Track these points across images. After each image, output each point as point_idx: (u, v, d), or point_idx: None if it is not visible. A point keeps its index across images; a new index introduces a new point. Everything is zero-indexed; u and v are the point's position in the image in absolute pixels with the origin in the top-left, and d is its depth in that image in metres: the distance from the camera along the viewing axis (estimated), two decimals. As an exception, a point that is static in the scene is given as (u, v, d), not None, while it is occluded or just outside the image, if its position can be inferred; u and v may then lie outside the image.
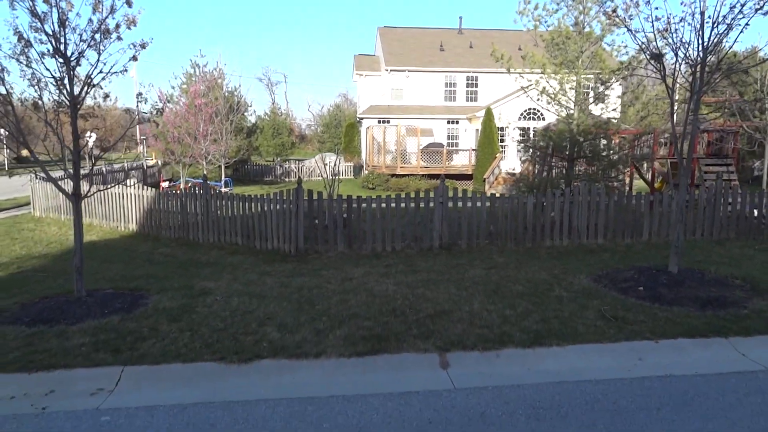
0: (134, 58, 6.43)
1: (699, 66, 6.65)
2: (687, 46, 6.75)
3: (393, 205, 9.73)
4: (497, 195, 10.19)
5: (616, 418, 4.25)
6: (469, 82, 32.45)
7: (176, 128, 15.93)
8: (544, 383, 4.85)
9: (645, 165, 15.84)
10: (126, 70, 6.44)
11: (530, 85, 11.95)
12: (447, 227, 9.75)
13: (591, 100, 11.73)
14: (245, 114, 30.15)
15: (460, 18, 36.49)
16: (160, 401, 4.56)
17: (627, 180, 15.83)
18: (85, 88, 6.39)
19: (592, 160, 11.26)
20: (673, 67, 6.99)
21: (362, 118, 32.63)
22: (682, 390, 4.71)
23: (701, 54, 6.66)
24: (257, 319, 6.07)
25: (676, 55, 6.87)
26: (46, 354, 5.23)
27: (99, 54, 6.35)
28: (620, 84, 13.02)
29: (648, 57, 6.95)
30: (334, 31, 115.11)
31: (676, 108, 6.82)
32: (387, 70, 31.63)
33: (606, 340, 5.58)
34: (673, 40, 6.67)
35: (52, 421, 4.24)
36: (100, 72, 6.36)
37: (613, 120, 12.79)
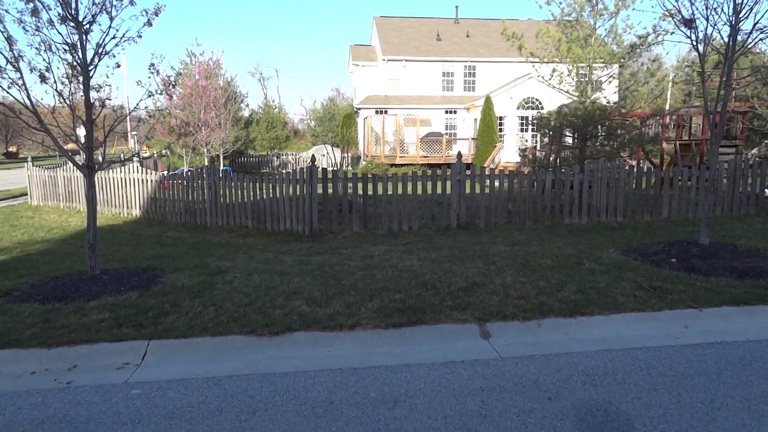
0: (149, 23, 6.14)
1: (732, 29, 6.45)
2: (719, 10, 6.55)
3: (409, 183, 9.49)
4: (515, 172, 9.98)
5: (675, 382, 4.05)
6: (467, 71, 32.25)
7: (181, 111, 15.60)
8: (593, 351, 4.65)
9: (653, 147, 15.70)
10: (140, 36, 6.15)
11: (540, 63, 11.72)
12: (464, 206, 9.53)
13: (604, 78, 11.54)
14: (241, 105, 29.77)
15: (456, 7, 36.41)
16: (192, 374, 4.31)
17: (635, 163, 15.69)
18: (98, 55, 6.10)
19: (606, 139, 11.08)
20: (704, 33, 6.78)
21: (359, 109, 32.34)
22: (738, 355, 4.52)
23: (734, 17, 6.47)
24: (283, 294, 5.82)
25: (707, 20, 6.68)
26: (64, 330, 4.96)
27: (111, 19, 6.05)
28: (625, 68, 12.81)
29: (679, 21, 6.74)
30: (327, 23, 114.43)
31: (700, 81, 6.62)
32: (384, 60, 31.34)
33: (648, 309, 5.39)
34: (707, 4, 6.47)
35: (79, 395, 3.98)
36: (113, 38, 6.06)
37: (622, 102, 12.59)
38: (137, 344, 4.74)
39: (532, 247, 7.90)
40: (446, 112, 31.47)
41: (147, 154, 28.39)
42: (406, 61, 31.45)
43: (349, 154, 34.76)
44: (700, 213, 9.69)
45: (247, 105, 35.39)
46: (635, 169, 10.04)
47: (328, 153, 32.44)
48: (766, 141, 31.49)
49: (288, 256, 7.74)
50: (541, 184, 9.74)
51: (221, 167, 22.00)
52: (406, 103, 30.74)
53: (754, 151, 30.13)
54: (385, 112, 30.27)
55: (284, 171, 33.48)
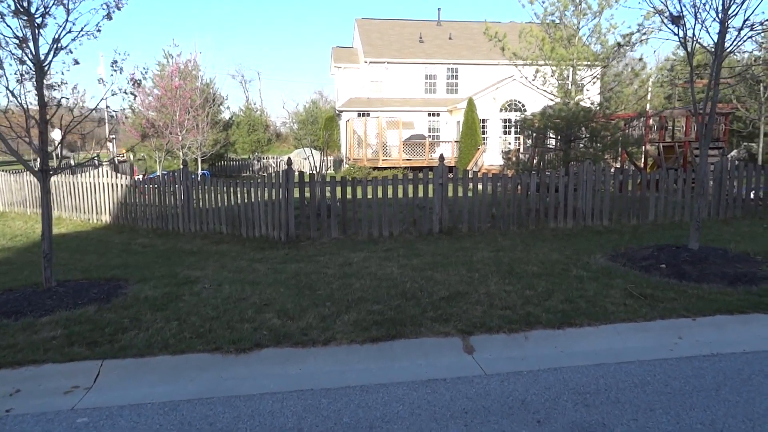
0: (108, 17, 5.73)
1: (722, 26, 6.24)
2: (708, 6, 6.34)
3: (390, 187, 9.15)
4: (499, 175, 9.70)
5: (672, 400, 3.76)
6: (450, 74, 32.06)
7: (154, 112, 15.06)
8: (583, 366, 4.36)
9: (637, 149, 15.60)
10: (99, 30, 5.74)
11: (523, 64, 11.48)
12: (447, 210, 9.22)
13: (588, 80, 11.34)
14: (221, 107, 29.20)
15: (439, 9, 36.27)
16: (148, 398, 3.92)
17: (618, 165, 15.56)
18: (53, 51, 5.67)
19: (590, 141, 10.88)
20: (692, 30, 6.56)
21: (341, 111, 31.96)
22: (736, 369, 4.26)
23: (723, 14, 6.26)
24: (253, 306, 5.44)
25: (696, 17, 6.46)
26: (10, 350, 4.52)
27: (68, 12, 5.64)
28: (609, 68, 12.64)
29: (667, 18, 6.52)
30: (309, 26, 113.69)
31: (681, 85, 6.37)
32: (366, 62, 31.03)
33: (639, 318, 5.12)
34: (695, 1, 6.25)
35: (18, 425, 3.56)
36: (69, 32, 5.64)
37: (606, 103, 12.42)
38: (90, 365, 4.33)
39: (517, 253, 7.61)
40: (429, 114, 31.23)
41: (123, 158, 27.71)
42: (388, 63, 31.18)
43: (332, 158, 34.34)
44: (687, 216, 9.52)
45: (228, 107, 34.84)
46: (621, 172, 9.83)
47: (309, 156, 31.95)
48: (744, 143, 31.84)
49: (262, 264, 7.35)
50: (525, 188, 9.48)
51: (199, 171, 21.48)
52: (388, 105, 30.45)
53: (734, 153, 30.41)
54: (368, 114, 29.93)
55: (264, 174, 32.99)
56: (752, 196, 10.32)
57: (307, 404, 3.79)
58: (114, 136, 34.18)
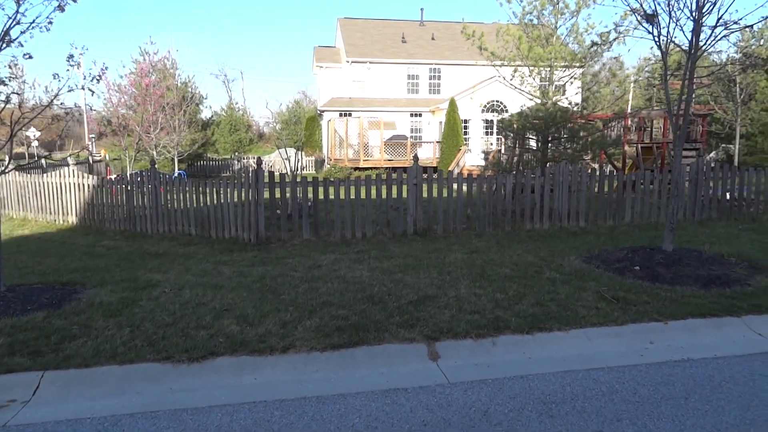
0: (60, 8, 5.46)
1: (695, 24, 6.15)
2: (682, 4, 6.24)
3: (363, 187, 8.94)
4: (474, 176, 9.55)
5: (640, 410, 3.62)
6: (432, 74, 31.94)
7: (124, 108, 14.67)
8: (551, 373, 4.20)
9: (615, 150, 15.59)
10: (51, 22, 5.46)
11: (501, 63, 11.36)
12: (422, 211, 9.05)
13: (566, 79, 11.25)
14: (199, 106, 28.73)
15: (422, 9, 35.99)
16: (89, 412, 3.68)
17: (596, 166, 15.51)
18: (2, 44, 5.39)
19: (568, 141, 10.78)
20: (666, 29, 6.46)
21: (323, 111, 31.69)
22: (707, 375, 4.14)
23: (697, 12, 6.17)
24: (212, 312, 5.20)
25: (670, 15, 6.36)
26: (-54, 360, 4.24)
27: (18, 3, 5.36)
28: (587, 68, 12.58)
29: (641, 17, 6.41)
30: (293, 25, 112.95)
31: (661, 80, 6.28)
32: (348, 62, 30.78)
33: (611, 322, 4.99)
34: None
35: (-58, 444, 3.30)
36: (19, 23, 5.36)
37: (584, 104, 12.36)
38: (30, 376, 4.07)
39: (490, 255, 7.46)
40: (411, 114, 31.07)
41: (99, 158, 27.15)
42: (370, 63, 30.95)
43: (313, 158, 34.05)
44: (664, 217, 9.46)
45: (209, 107, 34.40)
46: (597, 173, 9.75)
47: (290, 156, 31.68)
48: (723, 145, 32.18)
49: (228, 267, 7.10)
50: (501, 188, 9.34)
51: (175, 171, 21.08)
52: (370, 105, 30.23)
53: (712, 154, 30.68)
54: (349, 114, 29.69)
55: (244, 175, 32.59)
56: (728, 197, 10.31)
57: (258, 417, 3.57)
58: (93, 135, 33.51)
